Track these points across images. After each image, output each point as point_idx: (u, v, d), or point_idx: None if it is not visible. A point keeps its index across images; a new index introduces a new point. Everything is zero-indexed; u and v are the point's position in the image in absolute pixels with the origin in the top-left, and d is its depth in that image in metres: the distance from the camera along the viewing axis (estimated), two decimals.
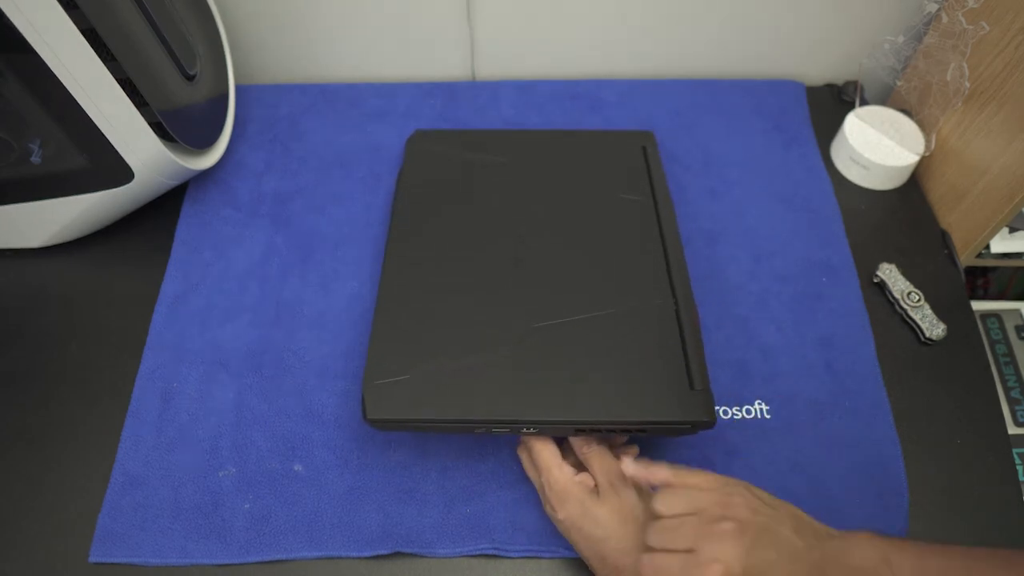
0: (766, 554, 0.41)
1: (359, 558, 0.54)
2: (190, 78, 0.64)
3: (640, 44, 0.81)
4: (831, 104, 0.82)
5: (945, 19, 0.69)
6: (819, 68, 0.84)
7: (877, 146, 0.73)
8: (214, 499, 0.56)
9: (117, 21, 0.55)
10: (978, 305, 0.75)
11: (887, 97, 0.81)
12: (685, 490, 0.44)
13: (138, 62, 0.56)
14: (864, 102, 0.78)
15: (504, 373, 0.52)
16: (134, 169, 0.60)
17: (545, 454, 0.52)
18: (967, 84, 0.66)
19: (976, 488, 0.57)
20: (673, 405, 0.51)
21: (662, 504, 0.44)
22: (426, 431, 0.57)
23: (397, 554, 0.54)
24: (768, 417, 0.60)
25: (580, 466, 0.53)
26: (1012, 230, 0.72)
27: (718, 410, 0.60)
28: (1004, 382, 0.71)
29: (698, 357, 0.53)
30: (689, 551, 0.41)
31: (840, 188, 0.74)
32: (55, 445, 0.59)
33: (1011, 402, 0.69)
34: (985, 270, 0.86)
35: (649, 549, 0.43)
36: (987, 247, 0.71)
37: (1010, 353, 0.73)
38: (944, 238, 0.71)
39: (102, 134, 0.57)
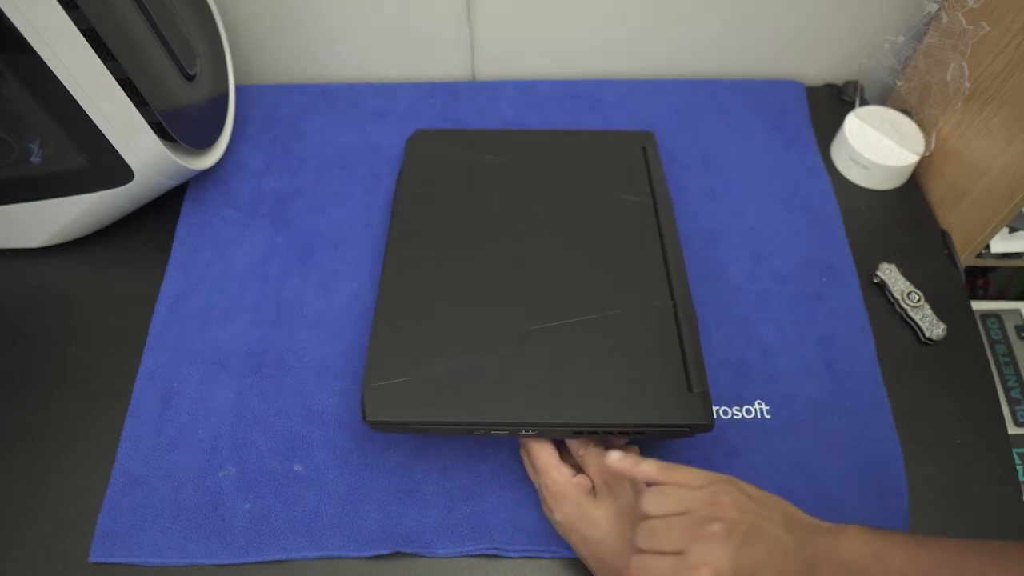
0: (756, 553, 0.40)
1: (359, 558, 0.54)
2: (190, 78, 0.64)
3: (640, 44, 0.81)
4: (831, 104, 0.82)
5: (945, 19, 0.69)
6: (819, 68, 0.84)
7: (877, 146, 0.73)
8: (214, 499, 0.56)
9: (117, 21, 0.55)
10: (978, 305, 0.75)
11: (887, 97, 0.81)
12: (673, 489, 0.44)
13: (138, 62, 0.56)
14: (864, 102, 0.78)
15: (503, 375, 0.52)
16: (134, 169, 0.60)
17: (543, 455, 0.52)
18: (967, 84, 0.66)
19: (976, 488, 0.57)
20: (670, 408, 0.51)
21: (650, 504, 0.43)
22: (425, 433, 0.57)
23: (397, 554, 0.54)
24: (768, 417, 0.60)
25: (579, 467, 0.53)
26: (1012, 230, 0.72)
27: (718, 410, 0.60)
28: (1004, 382, 0.70)
29: (696, 359, 0.53)
30: (678, 553, 0.41)
31: (840, 188, 0.74)
32: (55, 445, 0.59)
33: (1011, 402, 0.69)
34: (985, 270, 0.86)
35: (638, 551, 0.43)
36: (987, 247, 0.71)
37: (1010, 353, 0.72)
38: (944, 238, 0.71)
39: (102, 134, 0.57)
